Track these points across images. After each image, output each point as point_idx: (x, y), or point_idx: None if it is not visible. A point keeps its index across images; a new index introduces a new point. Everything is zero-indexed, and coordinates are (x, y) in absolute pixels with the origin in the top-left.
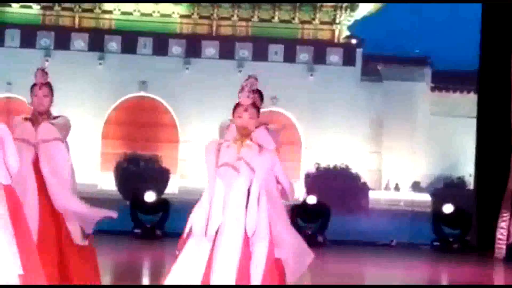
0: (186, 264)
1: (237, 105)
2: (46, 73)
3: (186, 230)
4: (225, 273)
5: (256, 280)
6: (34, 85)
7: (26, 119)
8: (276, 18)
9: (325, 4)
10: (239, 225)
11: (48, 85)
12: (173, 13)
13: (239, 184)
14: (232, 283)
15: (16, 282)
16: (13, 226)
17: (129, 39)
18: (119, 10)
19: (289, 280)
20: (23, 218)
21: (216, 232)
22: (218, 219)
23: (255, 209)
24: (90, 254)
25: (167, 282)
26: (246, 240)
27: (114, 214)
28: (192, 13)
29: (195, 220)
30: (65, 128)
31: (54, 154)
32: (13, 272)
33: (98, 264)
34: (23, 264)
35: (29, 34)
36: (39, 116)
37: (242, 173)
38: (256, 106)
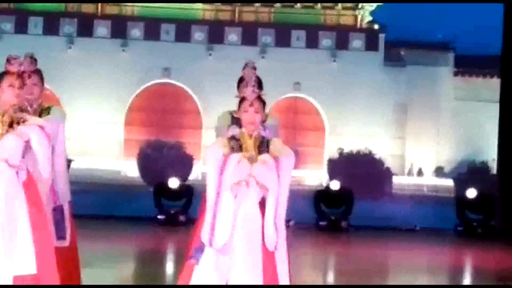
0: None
1: (242, 99)
2: (35, 60)
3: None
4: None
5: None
6: (23, 73)
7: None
8: (298, 4)
9: None
10: (255, 239)
11: (38, 72)
12: None
13: (250, 199)
14: None
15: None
16: (31, 220)
17: (152, 26)
18: None
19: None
20: (42, 211)
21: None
22: (226, 231)
23: (271, 225)
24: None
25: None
26: (268, 254)
27: None
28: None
29: (202, 233)
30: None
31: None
32: (26, 270)
33: (120, 250)
34: (38, 264)
35: (52, 22)
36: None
37: (254, 189)
38: (261, 100)
